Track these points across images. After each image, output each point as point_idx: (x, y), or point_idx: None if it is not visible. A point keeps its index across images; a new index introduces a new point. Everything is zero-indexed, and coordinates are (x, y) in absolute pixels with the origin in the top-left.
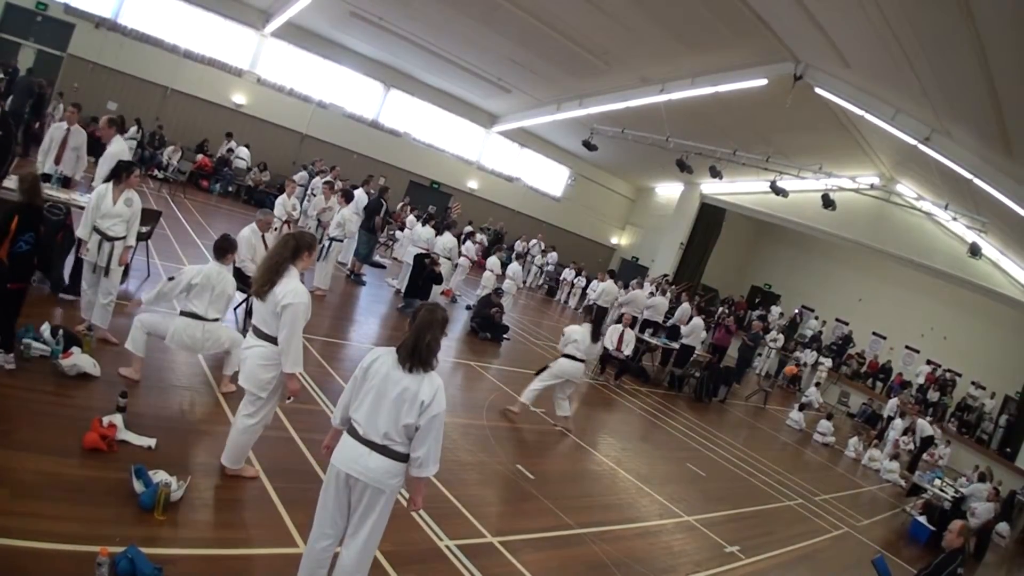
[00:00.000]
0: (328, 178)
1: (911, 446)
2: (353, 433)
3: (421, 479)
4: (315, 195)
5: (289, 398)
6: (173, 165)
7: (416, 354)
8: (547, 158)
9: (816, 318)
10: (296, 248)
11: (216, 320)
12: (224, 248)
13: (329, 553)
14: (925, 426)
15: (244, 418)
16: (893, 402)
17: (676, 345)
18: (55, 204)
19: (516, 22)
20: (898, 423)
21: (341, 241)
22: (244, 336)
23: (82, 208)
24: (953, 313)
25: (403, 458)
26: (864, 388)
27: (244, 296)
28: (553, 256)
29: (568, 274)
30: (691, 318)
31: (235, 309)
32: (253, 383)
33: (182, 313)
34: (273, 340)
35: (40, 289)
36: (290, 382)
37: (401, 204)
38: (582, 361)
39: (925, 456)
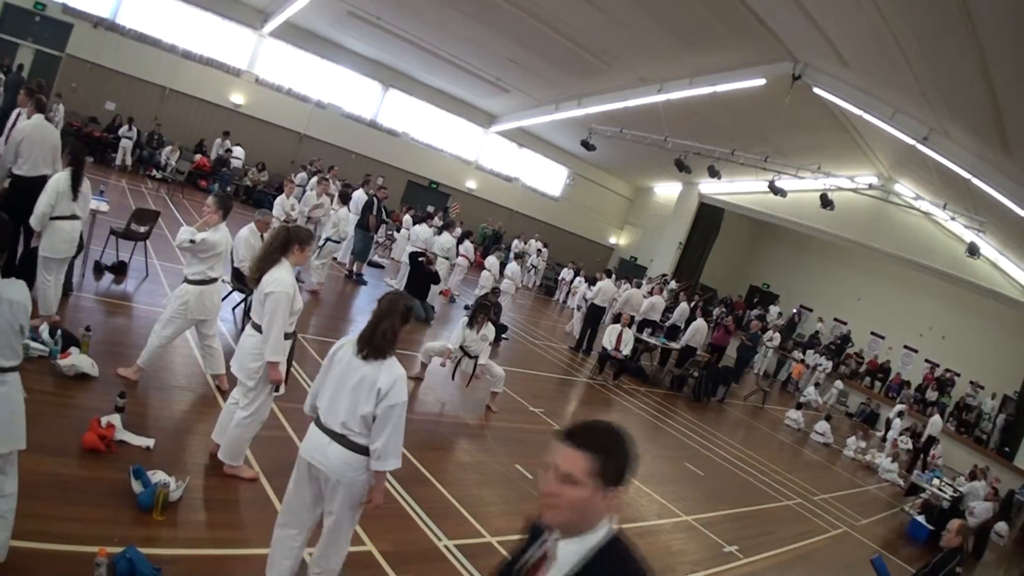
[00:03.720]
0: (324, 176)
1: (909, 445)
2: (316, 421)
3: (380, 473)
4: (311, 191)
5: (277, 389)
6: (171, 165)
7: (371, 341)
8: (546, 158)
9: (821, 320)
10: (286, 240)
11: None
12: (232, 207)
13: (295, 544)
14: (936, 423)
15: (240, 411)
16: (900, 406)
17: (676, 345)
18: None
19: (514, 22)
20: (897, 423)
21: (337, 242)
22: (241, 334)
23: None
24: (952, 312)
25: (363, 450)
26: (863, 388)
27: (244, 296)
28: (544, 252)
29: (567, 274)
30: (691, 319)
31: (233, 309)
32: (242, 371)
33: (198, 282)
34: (262, 330)
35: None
36: (270, 371)
37: (405, 208)
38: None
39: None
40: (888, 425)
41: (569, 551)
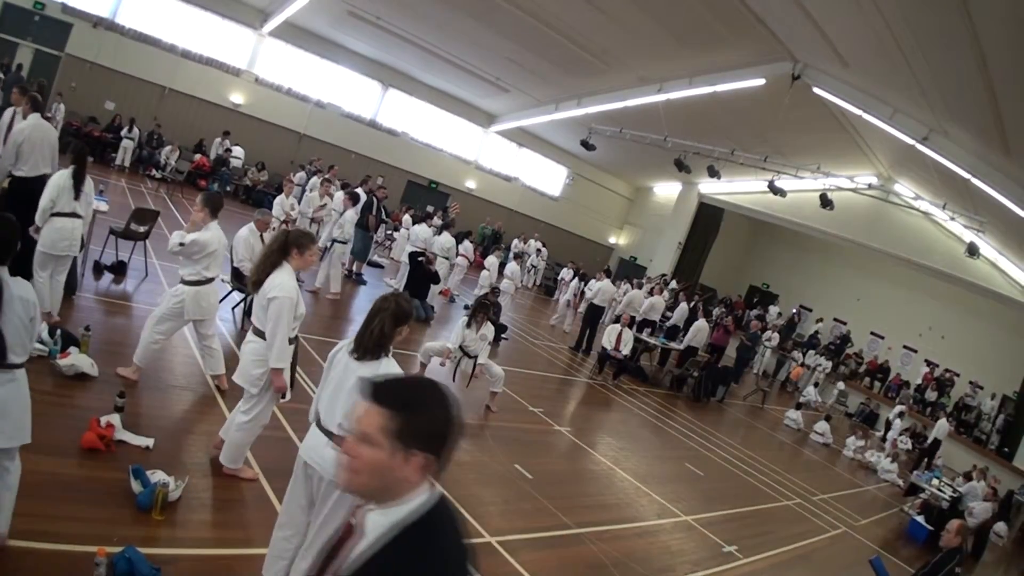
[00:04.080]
0: (326, 176)
1: (909, 445)
2: (317, 422)
3: None
4: (311, 192)
5: (284, 396)
6: (171, 165)
7: (363, 341)
8: (545, 158)
9: (820, 320)
10: (284, 244)
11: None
12: (221, 205)
13: (289, 546)
14: (943, 427)
15: (239, 415)
16: (900, 406)
17: (676, 345)
18: None
19: (514, 21)
20: (897, 423)
21: (344, 243)
22: (244, 336)
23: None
24: (951, 313)
25: None
26: (863, 388)
27: (243, 296)
28: (543, 252)
29: (566, 274)
30: (692, 319)
31: (233, 309)
32: (245, 379)
33: (194, 283)
34: (264, 335)
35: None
36: (274, 378)
37: (404, 208)
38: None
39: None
40: (888, 425)
41: (376, 523)
